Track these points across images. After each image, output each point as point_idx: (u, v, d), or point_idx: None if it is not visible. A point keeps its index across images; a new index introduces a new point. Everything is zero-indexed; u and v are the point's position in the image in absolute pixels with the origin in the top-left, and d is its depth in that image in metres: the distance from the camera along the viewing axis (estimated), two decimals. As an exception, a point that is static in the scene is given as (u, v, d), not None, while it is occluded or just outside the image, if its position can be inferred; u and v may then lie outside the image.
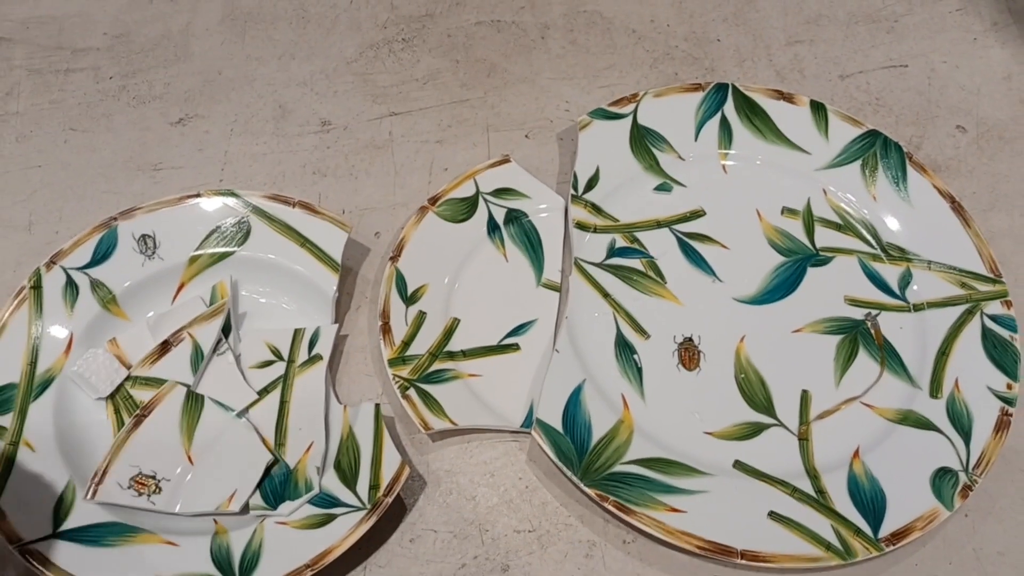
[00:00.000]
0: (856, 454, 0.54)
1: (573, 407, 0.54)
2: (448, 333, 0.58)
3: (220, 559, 0.49)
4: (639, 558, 0.52)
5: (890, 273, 0.61)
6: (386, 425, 0.53)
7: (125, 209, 0.59)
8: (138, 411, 0.54)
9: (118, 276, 0.58)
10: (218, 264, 0.59)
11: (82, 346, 0.55)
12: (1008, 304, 0.59)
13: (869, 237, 0.62)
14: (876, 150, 0.64)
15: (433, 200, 0.62)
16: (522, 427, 0.55)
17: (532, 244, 0.62)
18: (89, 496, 0.50)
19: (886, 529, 0.51)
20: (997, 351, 0.57)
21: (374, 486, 0.51)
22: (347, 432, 0.53)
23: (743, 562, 0.49)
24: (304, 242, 0.59)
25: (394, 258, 0.59)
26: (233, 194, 0.59)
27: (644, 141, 0.65)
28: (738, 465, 0.53)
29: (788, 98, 0.66)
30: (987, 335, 0.58)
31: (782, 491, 0.52)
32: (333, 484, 0.52)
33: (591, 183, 0.63)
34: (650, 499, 0.51)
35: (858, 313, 0.59)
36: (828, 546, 0.50)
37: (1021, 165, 0.69)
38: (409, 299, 0.58)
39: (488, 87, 0.70)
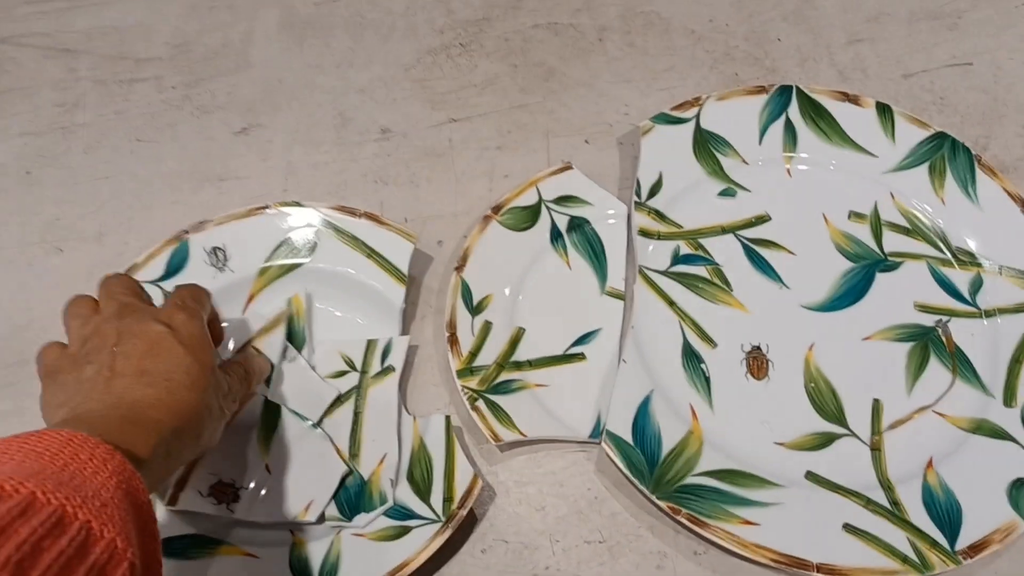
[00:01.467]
0: (930, 464, 0.53)
1: (642, 418, 0.54)
2: (514, 343, 0.58)
3: (299, 570, 0.50)
4: (711, 569, 0.52)
5: (960, 279, 0.60)
6: (456, 436, 0.54)
7: (196, 222, 0.60)
8: None
9: None
10: (286, 276, 0.59)
11: None
12: (1083, 311, 0.58)
13: (939, 242, 0.61)
14: (944, 152, 0.63)
15: (496, 209, 0.62)
16: (590, 438, 0.55)
17: (595, 252, 0.62)
18: (168, 503, 0.51)
19: (963, 542, 0.50)
20: (1073, 359, 0.56)
21: (448, 498, 0.51)
22: (418, 444, 0.54)
23: (820, 575, 0.49)
24: (371, 253, 0.59)
25: (459, 268, 0.59)
26: (300, 205, 0.60)
27: (707, 146, 0.64)
28: (810, 476, 0.53)
29: (853, 100, 0.65)
30: (1062, 342, 0.57)
31: (856, 503, 0.52)
32: (407, 496, 0.52)
33: (654, 189, 0.63)
34: (723, 511, 0.51)
35: (928, 320, 0.59)
36: (905, 559, 0.50)
37: (1092, 165, 0.68)
38: (475, 309, 0.58)
39: (546, 91, 0.70)
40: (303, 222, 0.60)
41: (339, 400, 0.56)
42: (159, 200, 0.65)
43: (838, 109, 0.65)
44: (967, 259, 0.61)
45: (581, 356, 0.58)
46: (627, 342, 0.57)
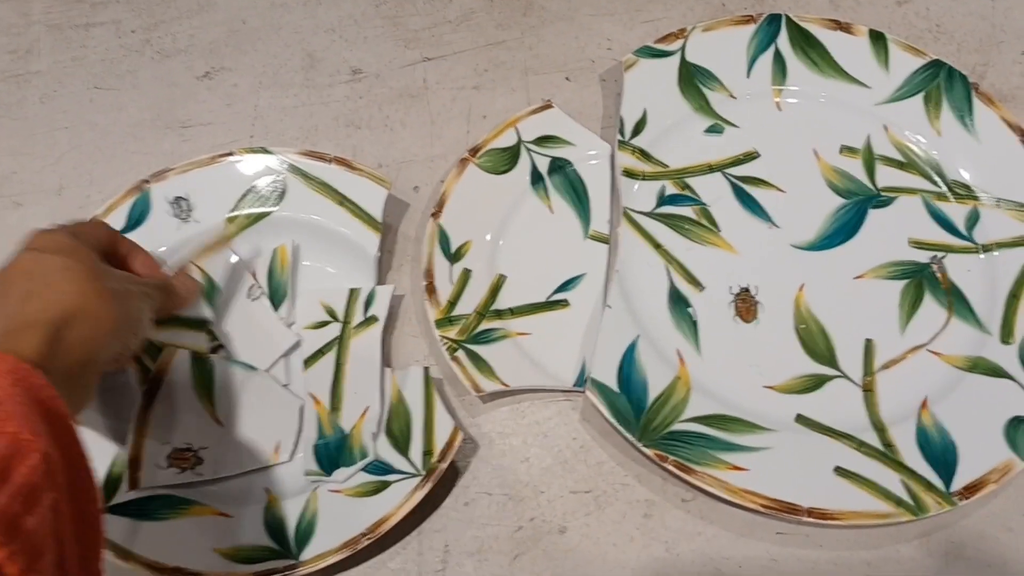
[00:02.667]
0: (924, 405, 0.52)
1: (628, 365, 0.52)
2: (494, 291, 0.56)
3: (274, 529, 0.48)
4: (699, 516, 0.51)
5: (956, 213, 0.58)
6: (436, 388, 0.52)
7: (157, 171, 0.57)
8: (145, 386, 0.52)
9: (154, 240, 0.55)
10: (255, 225, 0.57)
11: None
12: (1084, 243, 0.56)
13: (933, 175, 0.59)
14: (940, 81, 0.61)
15: (474, 151, 0.59)
16: (575, 386, 0.53)
17: (578, 194, 0.59)
18: (130, 487, 0.49)
19: (958, 483, 0.49)
20: (1073, 293, 0.54)
21: (428, 452, 0.50)
22: (397, 396, 0.52)
23: (810, 520, 0.48)
24: (343, 200, 0.57)
25: (436, 214, 0.57)
26: (266, 151, 0.57)
27: (693, 80, 0.61)
28: (801, 419, 0.52)
29: (846, 28, 0.62)
30: (1062, 276, 0.55)
31: (848, 445, 0.50)
32: (386, 450, 0.51)
33: (638, 127, 0.60)
34: (711, 458, 0.49)
35: (923, 256, 0.57)
36: (899, 502, 0.48)
37: (1094, 92, 0.65)
38: (454, 256, 0.56)
39: (525, 27, 0.67)
40: (270, 169, 0.57)
41: (320, 351, 0.54)
42: (120, 150, 0.62)
43: (830, 38, 0.62)
44: (963, 192, 0.58)
45: (564, 303, 0.56)
46: (612, 287, 0.55)
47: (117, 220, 0.56)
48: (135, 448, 0.50)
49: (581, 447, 0.53)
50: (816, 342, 0.54)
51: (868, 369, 0.53)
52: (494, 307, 0.56)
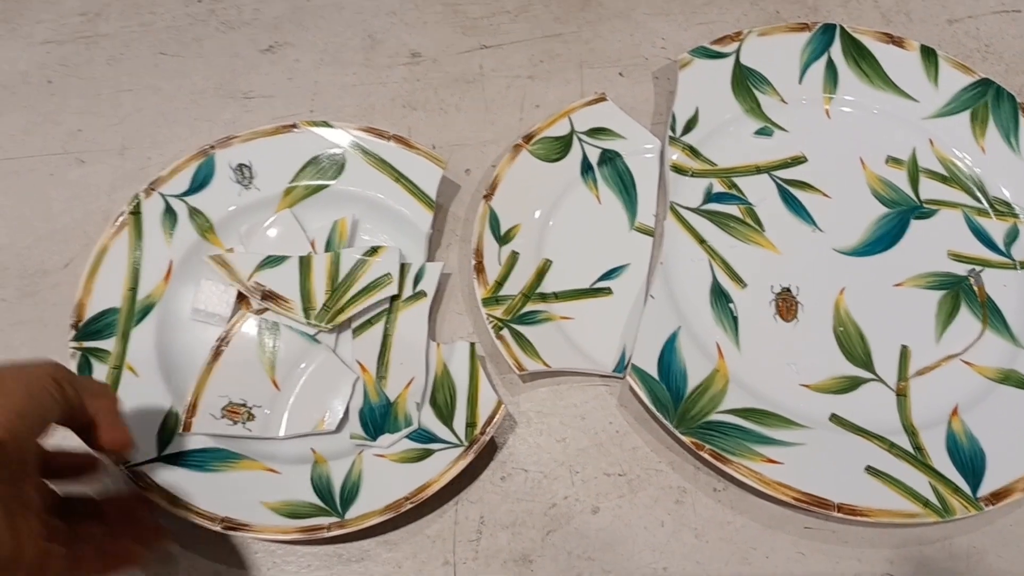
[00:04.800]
0: (955, 412, 0.53)
1: (668, 354, 0.54)
2: (540, 274, 0.57)
3: (320, 488, 0.50)
4: (730, 506, 0.52)
5: (996, 229, 0.59)
6: (480, 364, 0.53)
7: (222, 138, 0.59)
8: (216, 343, 0.54)
9: (215, 205, 0.58)
10: (313, 196, 0.58)
11: (181, 273, 0.56)
12: (1120, 265, 0.57)
13: (976, 191, 0.60)
14: (987, 100, 0.62)
15: (527, 138, 0.60)
16: (615, 372, 0.54)
17: (626, 186, 0.61)
18: (183, 429, 0.51)
19: (985, 488, 0.50)
20: (1107, 313, 0.55)
21: (471, 424, 0.51)
22: (442, 369, 0.54)
23: (839, 515, 0.49)
24: (399, 177, 0.58)
25: (488, 196, 0.58)
26: (328, 125, 0.59)
27: (746, 82, 0.63)
28: (835, 419, 0.53)
29: (898, 42, 0.63)
30: (1097, 296, 0.56)
31: (879, 446, 0.52)
32: (430, 420, 0.52)
33: (689, 125, 0.61)
34: (747, 449, 0.51)
35: (961, 269, 0.58)
36: (926, 503, 0.50)
37: None
38: (503, 239, 0.58)
39: (582, 21, 0.68)
40: (331, 143, 0.59)
41: (370, 321, 0.56)
42: (183, 115, 0.64)
43: (881, 51, 0.63)
44: (1004, 210, 0.60)
45: (608, 291, 0.57)
46: (656, 278, 0.56)
47: (182, 182, 0.58)
48: (194, 395, 0.52)
49: (617, 432, 0.55)
50: (853, 345, 0.55)
51: (902, 374, 0.55)
52: (539, 290, 0.57)
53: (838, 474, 0.50)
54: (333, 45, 0.67)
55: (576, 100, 0.62)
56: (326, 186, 0.59)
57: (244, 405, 0.53)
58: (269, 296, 0.55)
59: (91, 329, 0.54)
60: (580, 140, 0.61)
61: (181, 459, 0.51)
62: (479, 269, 0.56)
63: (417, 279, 0.56)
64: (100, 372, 0.52)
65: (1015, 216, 0.59)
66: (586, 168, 0.61)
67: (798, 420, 0.52)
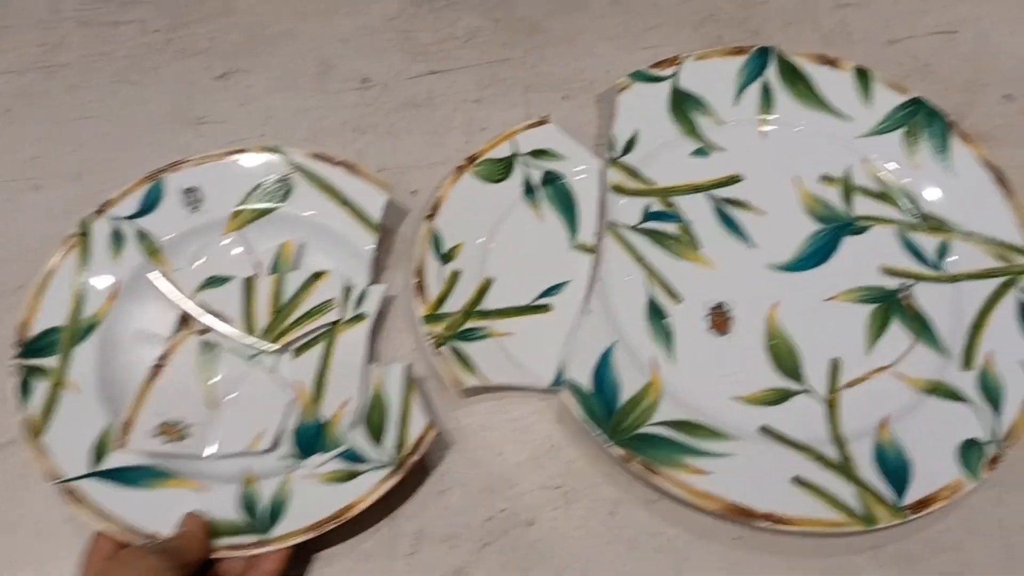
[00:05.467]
0: (884, 423, 0.54)
1: (603, 368, 0.55)
2: (481, 292, 0.59)
3: (248, 506, 0.51)
4: (663, 518, 0.53)
5: (928, 243, 0.60)
6: (418, 382, 0.55)
7: (173, 162, 0.60)
8: (156, 361, 0.55)
9: (163, 227, 0.59)
10: (260, 220, 0.60)
11: (127, 294, 0.57)
12: (1048, 279, 0.58)
13: (908, 206, 0.62)
14: (920, 118, 0.63)
15: (471, 159, 0.62)
16: (552, 386, 0.56)
17: (567, 206, 0.62)
18: (119, 446, 0.53)
19: (910, 498, 0.51)
20: (1033, 325, 0.57)
21: (399, 445, 0.52)
22: (377, 390, 0.55)
23: (765, 524, 0.50)
24: (344, 201, 0.60)
25: (430, 216, 0.60)
26: (277, 151, 0.61)
27: (683, 105, 0.65)
28: (764, 430, 0.54)
29: (832, 63, 0.65)
30: (1023, 309, 0.57)
31: (807, 457, 0.53)
32: (361, 441, 0.53)
33: (629, 146, 0.63)
34: (676, 461, 0.52)
35: (893, 283, 0.59)
36: (851, 512, 0.51)
37: (1071, 136, 0.68)
38: (444, 257, 0.59)
39: (529, 46, 0.70)
40: (278, 167, 0.61)
41: (309, 343, 0.57)
42: (139, 141, 0.66)
43: (817, 72, 0.65)
44: (936, 224, 0.61)
45: (548, 307, 0.59)
46: (593, 293, 0.58)
47: (131, 205, 0.59)
48: (131, 412, 0.54)
49: (554, 445, 0.56)
50: (785, 358, 0.57)
51: (833, 386, 0.56)
52: (480, 307, 0.58)
53: (765, 485, 0.51)
54: (286, 72, 0.69)
55: (521, 123, 0.64)
56: (274, 209, 0.60)
57: (178, 424, 0.54)
58: (213, 314, 0.56)
59: (34, 347, 0.55)
60: (523, 161, 0.63)
61: (113, 475, 0.52)
62: (419, 288, 0.58)
63: (359, 301, 0.58)
64: (41, 389, 0.54)
65: (947, 231, 0.61)
66: (528, 189, 0.62)
67: (728, 431, 0.53)
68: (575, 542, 0.52)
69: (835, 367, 0.56)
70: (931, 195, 0.62)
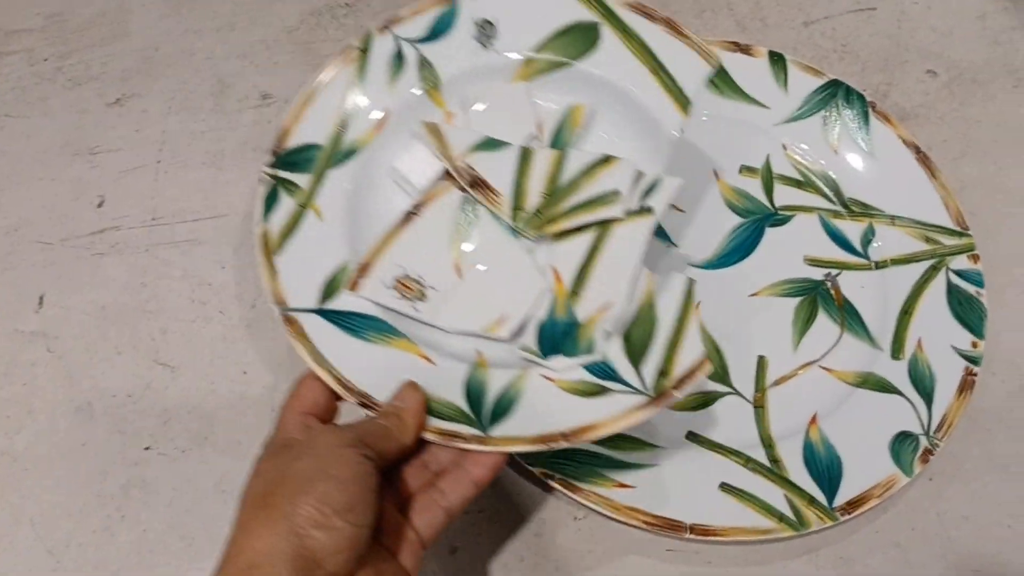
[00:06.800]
0: (813, 420, 0.52)
1: (520, 383, 0.52)
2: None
3: (473, 392, 0.45)
4: (589, 535, 0.51)
5: (852, 230, 0.59)
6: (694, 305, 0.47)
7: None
8: (409, 208, 0.50)
9: (448, 60, 0.53)
10: (553, 72, 0.52)
11: (395, 126, 0.52)
12: (975, 258, 0.56)
13: (830, 193, 0.60)
14: (838, 101, 0.62)
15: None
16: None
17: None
18: (349, 287, 0.47)
19: (842, 498, 0.49)
20: (962, 308, 0.55)
21: (663, 372, 0.44)
22: (647, 303, 0.46)
23: (693, 536, 0.48)
24: (657, 68, 0.51)
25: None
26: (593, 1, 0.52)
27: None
28: (691, 436, 0.52)
29: (745, 50, 0.63)
30: (952, 291, 0.55)
31: (735, 462, 0.51)
32: (616, 355, 0.45)
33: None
34: (597, 475, 0.49)
35: (818, 273, 0.57)
36: (781, 517, 0.49)
37: (994, 109, 0.66)
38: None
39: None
40: (590, 12, 0.52)
41: (578, 229, 0.48)
42: (28, 176, 0.62)
43: (730, 60, 0.63)
44: (859, 210, 0.59)
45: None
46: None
47: (418, 26, 0.53)
48: (371, 255, 0.48)
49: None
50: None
51: (759, 385, 0.54)
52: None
53: (692, 494, 0.49)
54: (182, 93, 0.66)
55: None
56: (570, 64, 0.52)
57: (419, 282, 0.48)
58: (478, 183, 0.49)
59: (289, 159, 0.50)
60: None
61: (337, 318, 0.47)
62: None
63: (647, 192, 0.48)
64: (286, 206, 0.49)
65: (871, 215, 0.59)
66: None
67: (653, 441, 0.51)
68: (500, 568, 0.50)
69: (761, 365, 0.54)
70: (853, 180, 0.60)
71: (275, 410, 0.54)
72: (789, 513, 0.49)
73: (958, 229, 0.57)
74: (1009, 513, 0.52)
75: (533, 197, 0.49)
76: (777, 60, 0.63)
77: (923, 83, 0.67)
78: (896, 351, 0.54)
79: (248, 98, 0.65)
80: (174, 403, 0.55)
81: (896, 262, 0.57)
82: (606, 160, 0.49)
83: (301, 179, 0.49)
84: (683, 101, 0.50)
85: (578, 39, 0.52)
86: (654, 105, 0.51)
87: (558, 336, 0.47)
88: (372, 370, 0.45)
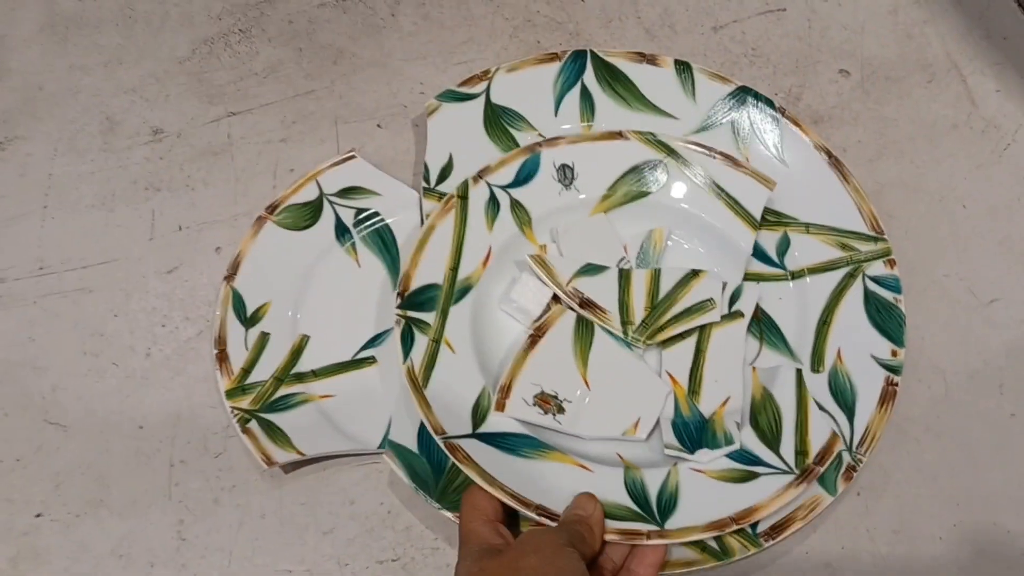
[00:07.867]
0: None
1: (430, 424, 0.50)
2: (296, 353, 0.54)
3: (635, 493, 0.49)
4: None
5: (767, 240, 0.57)
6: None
7: (550, 137, 0.59)
8: (532, 332, 0.54)
9: (536, 200, 0.57)
10: (629, 204, 0.58)
11: (499, 261, 0.56)
12: (891, 263, 0.55)
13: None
14: (747, 108, 0.60)
15: (271, 208, 0.57)
16: (380, 448, 0.51)
17: (387, 246, 0.57)
18: (496, 408, 0.51)
19: (765, 523, 0.48)
20: (881, 316, 0.54)
21: (801, 452, 0.50)
22: (760, 393, 0.52)
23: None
24: (720, 193, 0.57)
25: (229, 277, 0.54)
26: (658, 143, 0.58)
27: (500, 121, 0.60)
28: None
29: (651, 60, 0.61)
30: (870, 299, 0.54)
31: (656, 491, 0.49)
32: (752, 442, 0.51)
33: (444, 173, 0.58)
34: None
35: (735, 286, 0.56)
36: (704, 547, 0.47)
37: (910, 106, 0.65)
38: (248, 320, 0.54)
39: (335, 75, 0.65)
40: (655, 154, 0.58)
41: (680, 335, 0.54)
42: (-96, 232, 0.59)
43: (636, 71, 0.61)
44: (773, 218, 0.58)
45: (372, 360, 0.54)
46: (416, 342, 0.53)
47: (507, 174, 0.57)
48: (509, 376, 0.52)
49: (389, 512, 0.51)
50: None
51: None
52: (295, 370, 0.53)
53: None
54: (68, 133, 0.62)
55: (327, 160, 0.59)
56: (646, 194, 0.58)
57: (556, 397, 0.52)
58: (587, 304, 0.54)
59: (415, 300, 0.53)
60: (331, 203, 0.58)
61: (493, 439, 0.50)
62: (222, 358, 0.52)
63: (734, 299, 0.55)
64: (421, 343, 0.52)
65: (785, 224, 0.57)
66: (341, 231, 0.57)
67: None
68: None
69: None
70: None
71: (174, 465, 0.52)
72: (712, 543, 0.47)
73: (873, 234, 0.56)
74: (940, 525, 0.51)
75: (638, 311, 0.54)
76: (683, 69, 0.61)
77: (836, 83, 0.66)
78: (816, 363, 0.53)
79: (139, 134, 0.62)
80: (66, 465, 0.52)
81: (812, 271, 0.56)
82: (696, 274, 0.55)
83: (428, 316, 0.53)
84: (751, 220, 0.56)
85: (647, 175, 0.58)
86: (723, 225, 0.57)
87: (693, 432, 0.51)
88: (537, 483, 0.48)
